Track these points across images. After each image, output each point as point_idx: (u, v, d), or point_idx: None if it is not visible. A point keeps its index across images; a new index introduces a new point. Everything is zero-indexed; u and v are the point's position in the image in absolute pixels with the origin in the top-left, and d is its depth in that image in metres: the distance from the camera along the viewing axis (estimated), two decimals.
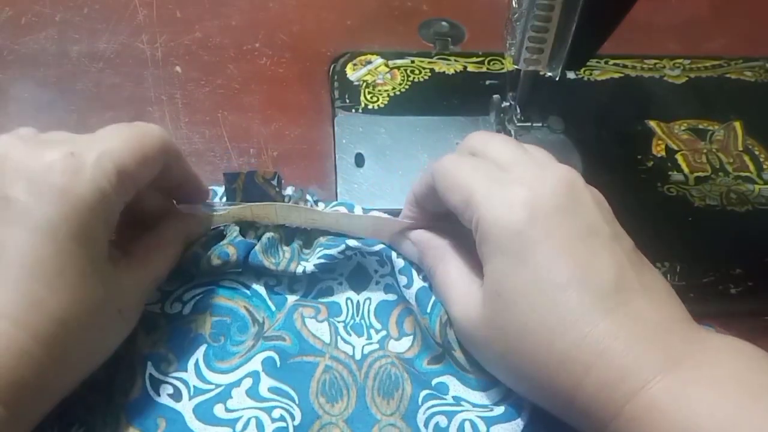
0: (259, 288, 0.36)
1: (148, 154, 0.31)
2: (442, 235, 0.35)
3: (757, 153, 0.48)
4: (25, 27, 0.52)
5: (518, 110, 0.43)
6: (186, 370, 0.33)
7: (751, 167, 0.47)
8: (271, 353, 0.33)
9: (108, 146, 0.31)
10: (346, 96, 0.49)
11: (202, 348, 0.34)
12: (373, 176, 0.44)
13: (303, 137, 0.47)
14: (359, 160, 0.45)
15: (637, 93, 0.52)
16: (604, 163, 0.46)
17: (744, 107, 0.51)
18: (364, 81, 0.50)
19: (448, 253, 0.34)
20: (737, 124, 0.50)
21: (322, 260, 0.36)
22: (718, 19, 0.59)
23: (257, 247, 0.36)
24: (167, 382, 0.32)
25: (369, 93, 0.49)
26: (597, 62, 0.53)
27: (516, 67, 0.39)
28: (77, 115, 0.47)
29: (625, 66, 0.53)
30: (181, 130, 0.46)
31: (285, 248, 0.37)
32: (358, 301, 0.36)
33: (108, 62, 0.50)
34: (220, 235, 0.37)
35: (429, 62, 0.52)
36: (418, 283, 0.35)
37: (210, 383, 0.33)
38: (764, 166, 0.47)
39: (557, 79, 0.39)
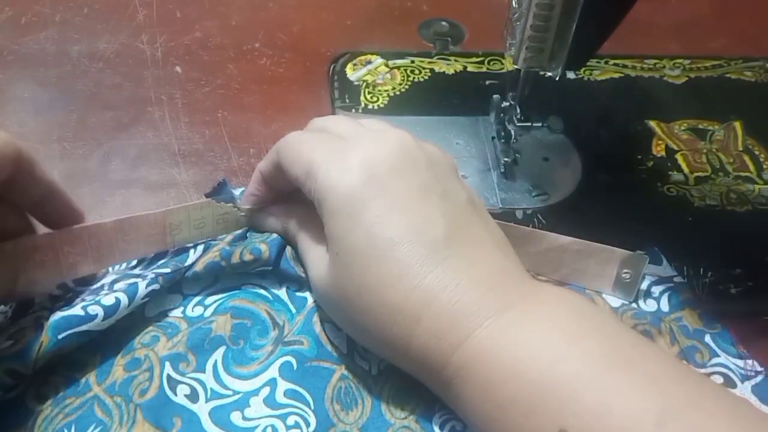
0: (281, 293, 0.36)
1: None
2: (299, 206, 0.36)
3: (757, 153, 0.48)
4: (25, 27, 0.52)
5: (518, 110, 0.43)
6: (204, 371, 0.33)
7: (751, 167, 0.47)
8: (289, 358, 0.33)
9: None
10: (346, 96, 0.49)
11: (221, 350, 0.34)
12: None
13: None
14: None
15: (637, 93, 0.52)
16: (604, 163, 0.46)
17: (744, 107, 0.51)
18: (364, 81, 0.50)
19: (306, 222, 0.35)
20: (737, 124, 0.50)
21: None
22: (718, 19, 0.59)
23: (288, 253, 0.36)
24: (184, 383, 0.32)
25: (369, 93, 0.49)
26: (597, 62, 0.53)
27: (516, 67, 0.39)
28: (77, 115, 0.47)
29: (625, 66, 0.53)
30: (181, 130, 0.46)
31: None
32: None
33: (108, 62, 0.50)
34: (244, 236, 0.37)
35: (429, 62, 0.52)
36: None
37: (228, 388, 0.33)
38: (764, 166, 0.47)
39: (557, 79, 0.39)
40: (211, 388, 0.32)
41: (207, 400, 0.32)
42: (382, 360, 0.34)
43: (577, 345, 0.26)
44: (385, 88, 0.50)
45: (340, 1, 0.57)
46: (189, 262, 0.36)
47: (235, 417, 0.32)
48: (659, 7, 0.59)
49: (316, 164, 0.31)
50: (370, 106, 0.48)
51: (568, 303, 0.29)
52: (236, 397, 0.32)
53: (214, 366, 0.33)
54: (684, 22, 0.58)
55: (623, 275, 0.37)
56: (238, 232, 0.37)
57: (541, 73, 0.39)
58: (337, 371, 0.33)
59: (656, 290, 0.38)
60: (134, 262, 0.37)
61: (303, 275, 0.36)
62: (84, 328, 0.32)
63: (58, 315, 0.32)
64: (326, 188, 0.30)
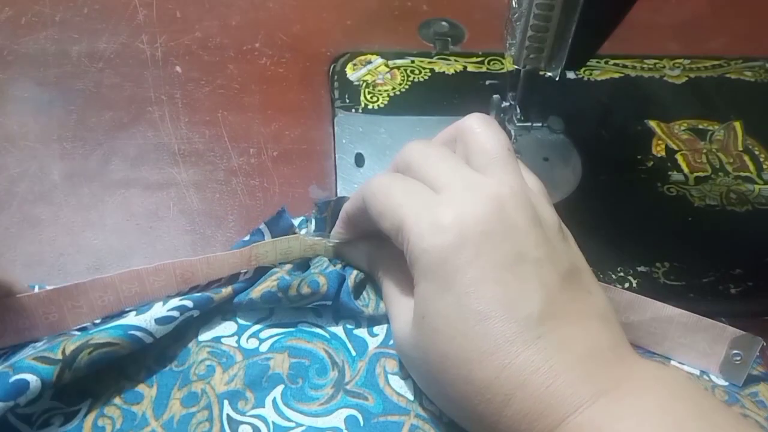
0: (338, 330, 0.36)
1: None
2: (387, 246, 0.34)
3: (757, 153, 0.48)
4: (25, 27, 0.52)
5: (518, 110, 0.43)
6: (264, 406, 0.33)
7: (751, 167, 0.47)
8: (354, 412, 0.33)
9: None
10: (346, 96, 0.49)
11: (280, 387, 0.33)
12: (373, 176, 0.44)
13: (303, 137, 0.47)
14: (359, 160, 0.45)
15: (637, 93, 0.52)
16: (604, 163, 0.46)
17: (744, 107, 0.51)
18: (364, 81, 0.50)
19: (393, 266, 0.34)
20: (737, 124, 0.50)
21: None
22: (718, 19, 0.59)
23: (349, 285, 0.35)
24: (245, 422, 0.32)
25: (369, 93, 0.49)
26: (597, 62, 0.53)
27: (516, 67, 0.39)
28: (77, 115, 0.47)
29: (625, 66, 0.53)
30: (181, 130, 0.47)
31: (369, 290, 0.37)
32: None
33: (108, 62, 0.50)
34: (305, 265, 0.37)
35: (429, 62, 0.52)
36: None
37: (291, 420, 0.32)
38: (764, 166, 0.47)
39: (557, 79, 0.39)
40: (273, 422, 0.32)
41: None
42: None
43: (681, 431, 0.25)
44: (385, 88, 0.50)
45: (340, 1, 0.57)
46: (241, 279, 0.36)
47: None
48: (659, 7, 0.59)
49: (408, 223, 0.30)
50: (370, 106, 0.48)
51: (667, 387, 0.27)
52: (300, 429, 0.32)
53: (274, 401, 0.33)
54: (684, 22, 0.58)
55: (733, 356, 0.34)
56: (299, 261, 0.37)
57: (541, 73, 0.39)
58: (406, 423, 0.32)
59: None
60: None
61: (362, 310, 0.35)
62: (115, 323, 0.32)
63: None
64: (418, 251, 0.29)
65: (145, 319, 0.33)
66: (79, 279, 0.38)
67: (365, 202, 0.32)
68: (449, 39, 0.55)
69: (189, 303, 0.34)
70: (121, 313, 0.34)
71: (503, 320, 0.27)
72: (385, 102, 0.49)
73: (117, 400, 0.32)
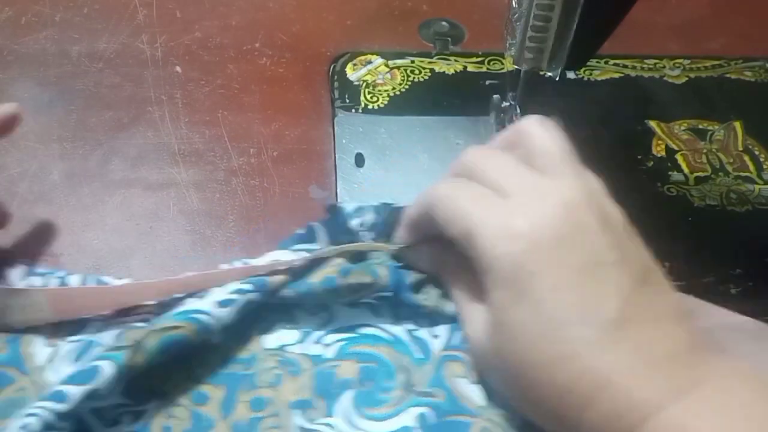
0: (400, 333, 0.36)
1: None
2: (451, 250, 0.34)
3: (757, 153, 0.48)
4: (25, 27, 0.52)
5: (518, 110, 0.43)
6: (333, 415, 0.33)
7: (751, 167, 0.47)
8: (425, 409, 0.33)
9: None
10: (346, 96, 0.49)
11: (350, 393, 0.33)
12: (373, 176, 0.44)
13: (303, 137, 0.47)
14: (359, 160, 0.45)
15: (637, 93, 0.52)
16: (604, 163, 0.46)
17: (744, 107, 0.51)
18: (364, 81, 0.50)
19: (459, 271, 0.34)
20: (737, 124, 0.50)
21: None
22: (718, 19, 0.59)
23: (409, 280, 0.35)
24: (316, 431, 0.32)
25: (369, 93, 0.49)
26: (597, 62, 0.53)
27: (516, 67, 0.39)
28: (77, 115, 0.47)
29: (625, 66, 0.53)
30: (181, 130, 0.46)
31: (430, 287, 0.36)
32: None
33: (108, 62, 0.50)
34: (362, 257, 0.36)
35: (429, 62, 0.52)
36: None
37: (361, 429, 0.32)
38: (764, 166, 0.47)
39: (557, 79, 0.39)
40: None
41: None
42: None
43: (763, 430, 0.25)
44: (385, 88, 0.50)
45: (340, 1, 0.57)
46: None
47: None
48: (659, 7, 0.59)
49: (478, 231, 0.29)
50: (370, 106, 0.48)
51: (749, 385, 0.27)
52: None
53: (344, 409, 0.33)
54: (684, 22, 0.58)
55: None
56: (357, 252, 0.36)
57: (541, 73, 0.39)
58: (476, 424, 0.32)
59: None
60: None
61: (423, 305, 0.35)
62: (177, 310, 0.33)
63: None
64: (491, 258, 0.29)
65: (204, 303, 0.33)
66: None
67: (430, 208, 0.32)
68: (449, 39, 0.55)
69: (247, 285, 0.34)
70: (180, 301, 0.34)
71: (582, 325, 0.28)
72: (385, 102, 0.49)
73: (184, 401, 0.32)
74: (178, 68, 0.50)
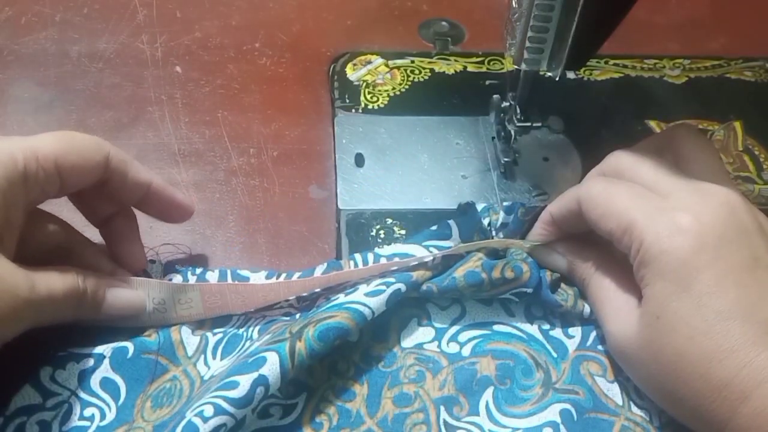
0: (534, 331, 0.36)
1: (82, 152, 0.31)
2: (591, 248, 0.35)
3: (757, 153, 0.48)
4: (25, 27, 0.52)
5: (518, 110, 0.43)
6: (478, 414, 0.33)
7: (751, 167, 0.47)
8: (568, 406, 0.33)
9: (37, 139, 0.31)
10: (346, 96, 0.49)
11: (490, 390, 0.34)
12: (373, 176, 0.44)
13: (303, 137, 0.47)
14: (359, 160, 0.45)
15: (637, 93, 0.52)
16: None
17: (744, 107, 0.51)
18: (364, 81, 0.50)
19: (601, 267, 0.34)
20: (737, 124, 0.50)
21: None
22: (718, 19, 0.59)
23: (547, 279, 0.36)
24: (461, 428, 0.33)
25: (369, 93, 0.49)
26: (597, 62, 0.53)
27: (516, 67, 0.39)
28: (77, 115, 0.47)
29: (625, 66, 0.53)
30: (181, 130, 0.46)
31: (566, 286, 0.37)
32: None
33: (108, 62, 0.50)
34: (497, 254, 0.37)
35: (429, 62, 0.52)
36: None
37: (506, 427, 0.33)
38: (764, 166, 0.47)
39: (557, 79, 0.39)
40: (489, 430, 0.33)
41: None
42: (662, 411, 0.33)
43: None
44: (385, 88, 0.50)
45: (340, 1, 0.57)
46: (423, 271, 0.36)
47: None
48: (659, 7, 0.59)
49: (640, 225, 0.30)
50: (370, 106, 0.48)
51: None
52: None
53: (487, 407, 0.34)
54: (684, 22, 0.58)
55: None
56: (492, 249, 0.37)
57: (541, 73, 0.39)
58: (617, 423, 0.33)
59: None
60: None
61: (561, 304, 0.36)
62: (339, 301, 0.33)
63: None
64: (656, 251, 0.30)
65: (356, 296, 0.34)
66: None
67: (582, 204, 0.33)
68: (449, 39, 0.55)
69: (392, 279, 0.35)
70: (320, 296, 0.36)
71: (744, 321, 0.28)
72: (385, 102, 0.49)
73: (331, 397, 0.34)
74: (178, 68, 0.50)
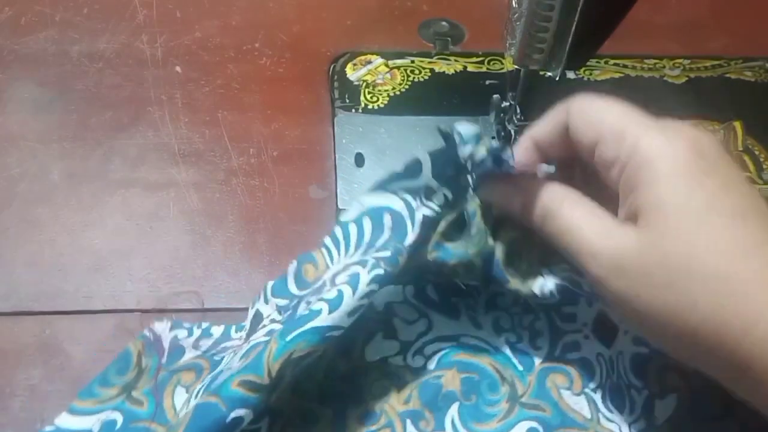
0: (501, 344, 0.36)
1: None
2: (551, 184, 0.33)
3: (757, 153, 0.48)
4: (25, 27, 0.52)
5: (518, 110, 0.43)
6: (444, 430, 0.33)
7: (751, 167, 0.47)
8: (534, 424, 0.33)
9: None
10: (346, 96, 0.49)
11: (455, 405, 0.33)
12: (373, 176, 0.44)
13: (303, 137, 0.47)
14: (359, 160, 0.45)
15: (637, 93, 0.52)
16: None
17: (744, 107, 0.51)
18: (364, 81, 0.50)
19: (569, 197, 0.32)
20: (737, 124, 0.50)
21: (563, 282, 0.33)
22: (718, 19, 0.59)
23: (498, 254, 0.34)
24: None
25: (369, 93, 0.49)
26: (597, 62, 0.53)
27: (516, 67, 0.39)
28: (77, 115, 0.47)
29: (625, 66, 0.53)
30: (181, 130, 0.46)
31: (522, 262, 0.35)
32: (610, 357, 0.35)
33: (108, 62, 0.50)
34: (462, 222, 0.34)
35: (429, 62, 0.52)
36: None
37: None
38: (764, 166, 0.47)
39: (557, 79, 0.39)
40: None
41: None
42: (632, 422, 0.32)
43: None
44: (385, 88, 0.50)
45: (340, 1, 0.57)
46: (408, 242, 0.33)
47: None
48: (659, 7, 0.59)
49: (638, 127, 0.30)
50: (370, 106, 0.48)
51: None
52: None
53: (453, 423, 0.33)
54: (684, 22, 0.58)
55: None
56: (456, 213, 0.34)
57: (541, 73, 0.39)
58: None
59: None
60: (352, 248, 0.34)
61: (508, 279, 0.33)
62: (310, 325, 0.29)
63: (284, 322, 0.31)
64: (657, 152, 0.29)
65: (338, 317, 0.30)
66: (80, 279, 0.38)
67: (571, 112, 0.33)
68: (449, 39, 0.55)
69: (375, 287, 0.31)
70: (308, 306, 0.32)
71: (756, 218, 0.27)
72: (385, 102, 0.49)
73: (295, 420, 0.32)
74: (178, 68, 0.50)
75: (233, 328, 0.36)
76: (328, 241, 0.34)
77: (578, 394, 0.34)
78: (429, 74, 0.51)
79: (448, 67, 0.52)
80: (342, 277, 0.32)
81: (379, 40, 0.54)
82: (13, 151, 0.44)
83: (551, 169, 0.35)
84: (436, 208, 0.34)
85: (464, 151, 0.32)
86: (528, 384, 0.34)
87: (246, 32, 0.53)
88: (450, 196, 0.34)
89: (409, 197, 0.34)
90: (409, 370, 0.34)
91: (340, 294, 0.30)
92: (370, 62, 0.52)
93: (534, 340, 0.36)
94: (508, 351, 0.35)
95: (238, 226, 0.42)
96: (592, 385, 0.34)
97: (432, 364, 0.35)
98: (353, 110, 0.48)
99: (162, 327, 0.36)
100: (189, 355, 0.35)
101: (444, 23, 0.56)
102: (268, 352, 0.29)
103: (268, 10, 0.55)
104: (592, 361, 0.35)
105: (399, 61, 0.52)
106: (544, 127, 0.34)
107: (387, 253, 0.32)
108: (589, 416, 0.33)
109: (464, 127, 0.32)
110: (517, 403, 0.33)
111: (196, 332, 0.36)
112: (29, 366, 0.36)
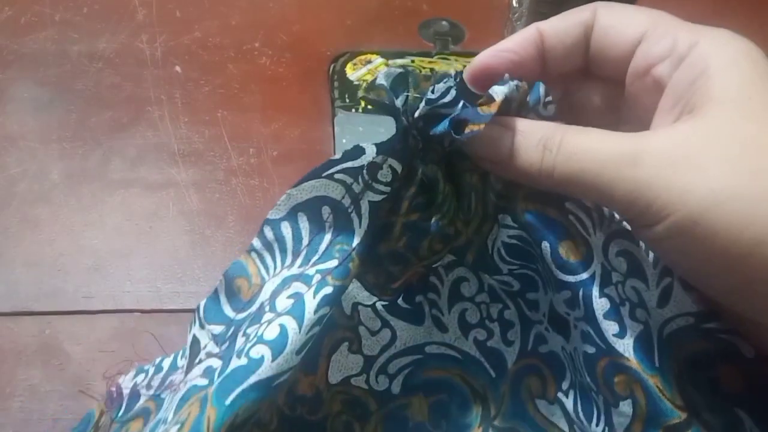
0: (470, 349, 0.32)
1: None
2: (544, 124, 0.27)
3: None
4: (25, 27, 0.52)
5: None
6: None
7: None
8: None
9: None
10: (346, 96, 0.49)
11: None
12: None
13: (303, 137, 0.47)
14: None
15: None
16: None
17: None
18: (364, 80, 0.50)
19: (570, 126, 0.26)
20: None
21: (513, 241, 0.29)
22: (718, 19, 0.59)
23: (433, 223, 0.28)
24: None
25: None
26: None
27: None
28: (77, 115, 0.47)
29: None
30: (180, 130, 0.47)
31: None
32: (570, 353, 0.31)
33: (108, 62, 0.50)
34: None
35: (429, 62, 0.52)
36: (633, 330, 0.26)
37: None
38: None
39: None
40: None
41: None
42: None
43: None
44: None
45: (340, 1, 0.57)
46: (357, 241, 0.27)
47: None
48: (659, 7, 0.59)
49: (692, 26, 0.28)
50: (370, 106, 0.48)
51: None
52: None
53: None
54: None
55: None
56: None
57: None
58: None
59: None
60: (289, 256, 0.29)
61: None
62: (252, 381, 0.24)
63: (218, 379, 0.25)
64: (725, 42, 0.27)
65: (283, 362, 0.25)
66: (79, 279, 0.39)
67: (602, 14, 0.29)
68: (449, 39, 0.55)
69: (326, 310, 0.26)
70: (246, 342, 0.26)
71: None
72: None
73: None
74: (177, 68, 0.50)
75: (180, 354, 0.32)
76: (257, 244, 0.29)
77: (553, 402, 0.31)
78: (429, 74, 0.51)
79: (448, 66, 0.52)
80: (282, 299, 0.27)
81: (379, 39, 0.54)
82: (12, 151, 0.44)
83: (551, 107, 0.29)
84: (384, 188, 0.27)
85: (399, 102, 0.26)
86: (502, 396, 0.31)
87: (246, 32, 0.53)
88: (398, 167, 0.27)
89: (348, 179, 0.28)
90: (372, 395, 0.31)
91: (284, 331, 0.25)
92: (370, 62, 0.52)
93: (505, 333, 0.32)
94: (477, 354, 0.32)
95: (237, 226, 0.42)
96: (564, 385, 0.31)
97: (397, 387, 0.31)
98: (353, 110, 0.48)
99: (128, 378, 0.33)
100: (142, 400, 0.32)
101: (444, 23, 0.56)
102: (206, 421, 0.24)
103: (268, 10, 0.55)
104: (560, 354, 0.31)
105: (399, 61, 0.52)
106: (559, 23, 0.29)
107: (333, 263, 0.27)
108: (566, 429, 0.30)
109: (384, 74, 0.26)
110: (490, 426, 0.31)
111: (150, 371, 0.33)
112: (29, 366, 0.36)
